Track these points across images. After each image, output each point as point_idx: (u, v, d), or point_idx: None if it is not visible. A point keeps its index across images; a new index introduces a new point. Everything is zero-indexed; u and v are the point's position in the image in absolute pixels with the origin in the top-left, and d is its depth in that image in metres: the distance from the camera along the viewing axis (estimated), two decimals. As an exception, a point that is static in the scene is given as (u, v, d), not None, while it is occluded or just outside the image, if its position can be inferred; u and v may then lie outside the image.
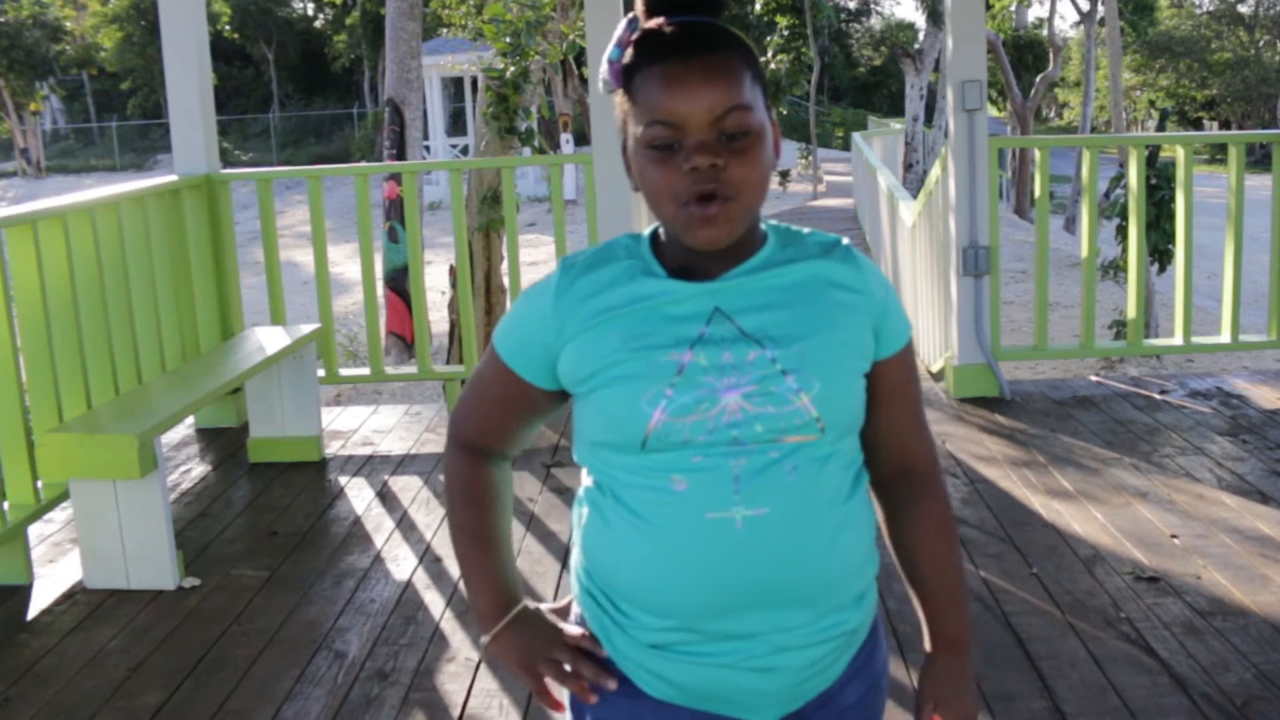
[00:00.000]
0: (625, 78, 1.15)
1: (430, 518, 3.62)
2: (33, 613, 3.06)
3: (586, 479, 1.24)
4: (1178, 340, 4.86)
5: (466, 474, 1.31)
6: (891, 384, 1.24)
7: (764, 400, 1.12)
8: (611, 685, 1.21)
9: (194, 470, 4.22)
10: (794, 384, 1.13)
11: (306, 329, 4.29)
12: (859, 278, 1.19)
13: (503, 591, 1.29)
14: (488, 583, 1.29)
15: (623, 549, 1.17)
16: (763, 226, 1.21)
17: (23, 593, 3.18)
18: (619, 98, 1.17)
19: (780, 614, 1.15)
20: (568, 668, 1.23)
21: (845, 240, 1.23)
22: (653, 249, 1.20)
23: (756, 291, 1.16)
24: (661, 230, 1.21)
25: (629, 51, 1.14)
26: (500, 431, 1.30)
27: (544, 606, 1.31)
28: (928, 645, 1.33)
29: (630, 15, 1.15)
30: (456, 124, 28.83)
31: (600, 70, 1.17)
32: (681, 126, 1.10)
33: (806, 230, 1.23)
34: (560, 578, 3.12)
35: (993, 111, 30.74)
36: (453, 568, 3.19)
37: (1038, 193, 4.86)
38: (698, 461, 1.13)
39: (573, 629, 1.26)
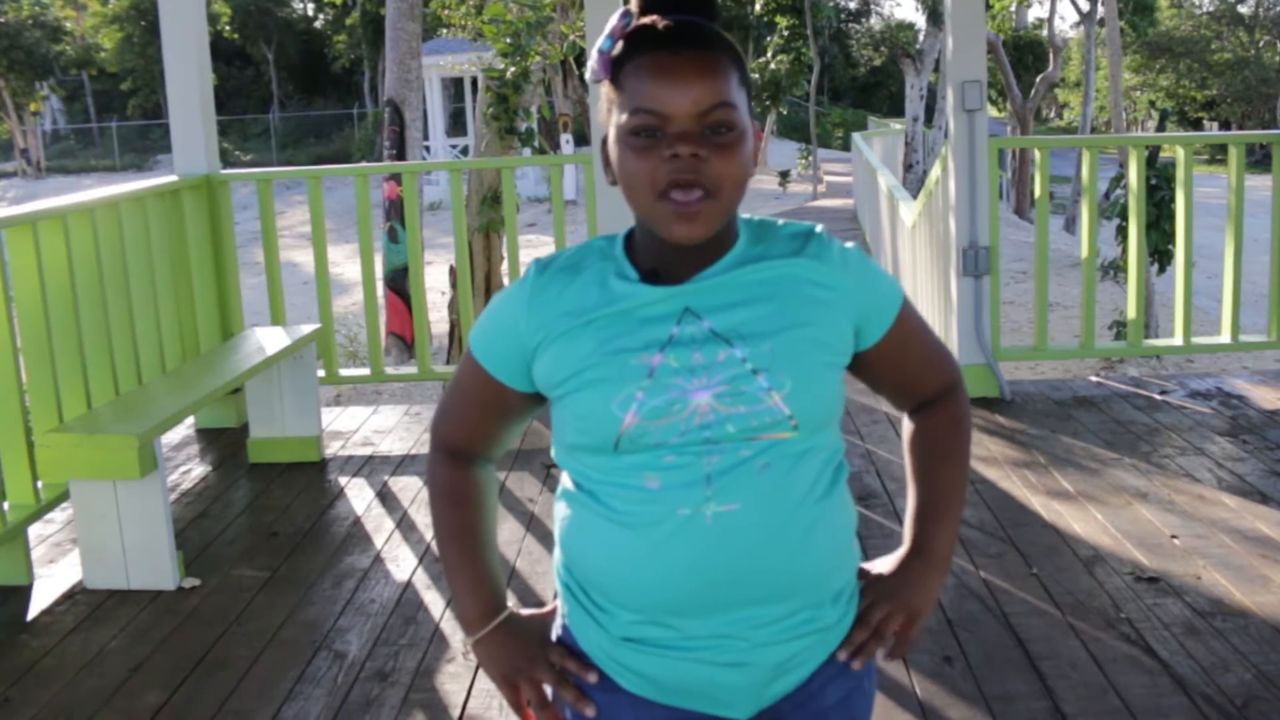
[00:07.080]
0: (614, 68, 1.15)
1: (430, 518, 3.61)
2: (33, 613, 3.06)
3: (565, 478, 1.24)
4: (1178, 340, 4.86)
5: (448, 476, 1.32)
6: (894, 351, 1.25)
7: (735, 400, 1.13)
8: (590, 713, 1.21)
9: (194, 470, 4.22)
10: (765, 383, 1.13)
11: (306, 329, 4.29)
12: (831, 274, 1.19)
13: (487, 594, 1.29)
14: (471, 584, 1.29)
15: (597, 544, 1.18)
16: (736, 222, 1.20)
17: (23, 593, 3.17)
18: (605, 88, 1.17)
19: (753, 610, 1.16)
20: (548, 690, 1.24)
21: (820, 228, 1.22)
22: (626, 250, 1.20)
23: (727, 289, 1.16)
24: (636, 231, 1.21)
25: (620, 44, 1.15)
26: (480, 434, 1.30)
27: (530, 611, 1.31)
28: (900, 550, 1.31)
29: (624, 8, 1.16)
30: (456, 124, 28.82)
31: (590, 60, 1.17)
32: (667, 116, 1.10)
33: (780, 222, 1.22)
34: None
35: (993, 112, 30.73)
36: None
37: (1038, 193, 4.86)
38: (670, 460, 1.13)
39: (563, 653, 1.25)
